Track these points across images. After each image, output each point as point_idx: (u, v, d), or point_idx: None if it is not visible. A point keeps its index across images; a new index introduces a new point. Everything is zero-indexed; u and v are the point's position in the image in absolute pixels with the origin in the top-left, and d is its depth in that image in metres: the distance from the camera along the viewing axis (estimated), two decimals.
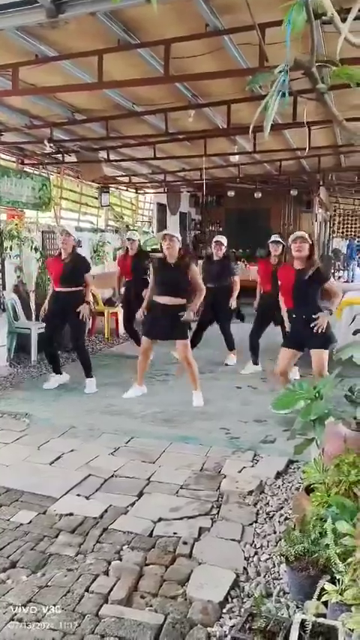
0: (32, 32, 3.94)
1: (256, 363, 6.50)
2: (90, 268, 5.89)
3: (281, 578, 2.54)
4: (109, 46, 4.06)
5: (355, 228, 18.36)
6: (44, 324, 6.11)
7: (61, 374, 5.91)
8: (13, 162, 8.01)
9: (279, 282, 4.86)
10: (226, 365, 6.88)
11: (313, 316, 4.51)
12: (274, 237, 6.27)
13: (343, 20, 1.88)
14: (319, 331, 4.49)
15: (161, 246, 5.29)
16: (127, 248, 7.29)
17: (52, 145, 6.85)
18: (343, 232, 18.50)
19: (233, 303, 6.76)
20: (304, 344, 4.74)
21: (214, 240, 6.96)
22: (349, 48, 1.92)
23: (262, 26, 3.22)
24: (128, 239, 7.39)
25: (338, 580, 2.03)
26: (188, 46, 4.02)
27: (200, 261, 7.35)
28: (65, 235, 5.71)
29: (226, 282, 6.78)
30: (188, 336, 5.36)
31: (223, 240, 6.89)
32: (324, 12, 1.89)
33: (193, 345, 6.97)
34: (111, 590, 2.45)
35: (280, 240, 6.20)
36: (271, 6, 2.79)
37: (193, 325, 6.33)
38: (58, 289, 5.73)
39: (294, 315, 4.69)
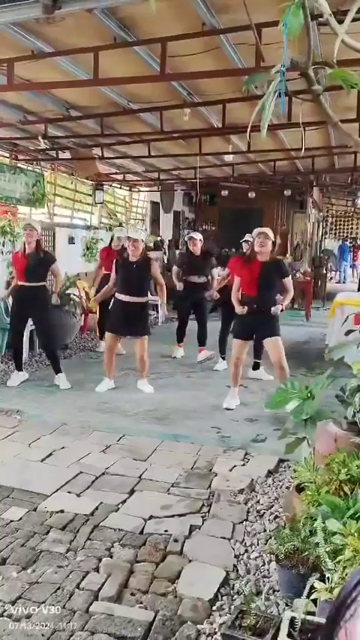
0: (28, 28, 3.92)
1: (223, 357, 6.66)
2: (55, 259, 5.88)
3: (271, 576, 2.56)
4: (106, 43, 4.05)
5: (348, 229, 18.44)
6: (10, 320, 6.07)
7: (22, 371, 5.91)
8: (7, 157, 7.96)
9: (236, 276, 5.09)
10: (200, 362, 6.90)
11: (273, 309, 4.82)
12: (246, 237, 6.36)
13: (340, 22, 1.90)
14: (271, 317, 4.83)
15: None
16: (111, 243, 7.43)
17: (46, 141, 6.81)
18: (335, 233, 18.57)
19: (214, 293, 6.77)
20: (254, 333, 5.08)
21: (188, 236, 7.16)
22: (346, 49, 1.93)
23: (259, 26, 3.23)
24: (118, 238, 7.47)
25: (328, 578, 2.04)
26: (185, 45, 4.02)
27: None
28: (29, 229, 5.62)
29: (204, 277, 6.92)
30: (149, 333, 5.54)
31: (196, 235, 7.00)
32: (320, 13, 1.91)
33: (180, 341, 7.09)
34: (101, 587, 2.45)
35: (250, 239, 6.31)
36: (268, 6, 2.80)
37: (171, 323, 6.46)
38: (21, 284, 5.65)
39: (254, 306, 4.86)
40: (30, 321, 6.01)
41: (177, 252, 12.52)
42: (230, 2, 3.42)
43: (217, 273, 7.05)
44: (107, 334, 5.64)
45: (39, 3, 3.24)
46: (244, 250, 6.38)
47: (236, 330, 5.17)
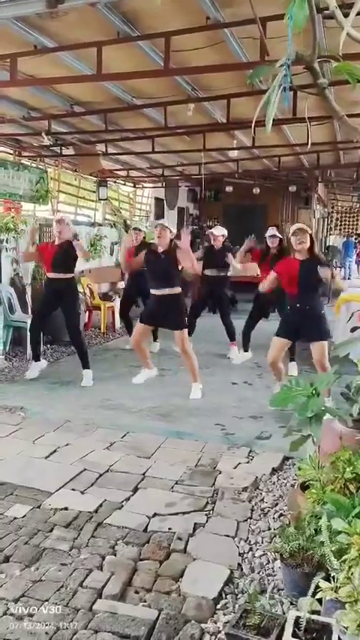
0: (31, 23, 3.90)
1: (246, 350, 6.60)
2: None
3: (276, 575, 2.54)
4: (109, 38, 4.02)
5: (353, 225, 18.35)
6: (38, 306, 6.11)
7: (39, 361, 5.91)
8: (10, 154, 7.95)
9: (277, 276, 4.90)
10: (229, 358, 6.93)
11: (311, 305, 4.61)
12: (271, 231, 6.32)
13: (345, 15, 1.86)
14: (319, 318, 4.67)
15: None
16: (132, 239, 7.39)
17: (50, 137, 6.79)
18: (340, 229, 18.48)
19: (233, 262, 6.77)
20: (299, 334, 4.89)
21: (209, 231, 7.14)
22: (352, 43, 1.90)
23: (263, 20, 3.20)
24: (134, 228, 7.44)
25: (333, 577, 2.03)
26: (189, 39, 3.99)
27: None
28: (63, 224, 5.68)
29: (224, 272, 6.90)
30: (185, 326, 5.37)
31: (218, 231, 6.97)
32: (326, 6, 1.88)
33: (189, 334, 7.05)
34: (105, 585, 2.44)
35: (276, 234, 6.26)
36: None
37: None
38: (50, 275, 5.75)
39: (297, 305, 4.74)
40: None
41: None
42: None
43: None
44: (138, 324, 5.52)
45: None
46: (270, 246, 6.32)
47: (280, 328, 4.92)
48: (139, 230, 7.36)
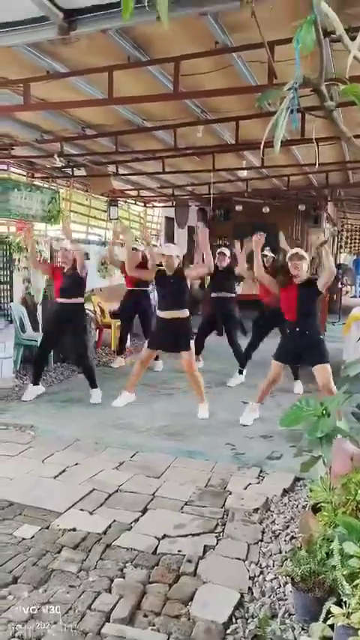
0: (43, 48, 3.99)
1: (241, 372, 6.62)
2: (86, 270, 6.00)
3: (287, 599, 2.49)
4: (120, 63, 4.10)
5: None
6: (43, 334, 6.17)
7: (38, 385, 5.93)
8: (24, 175, 8.08)
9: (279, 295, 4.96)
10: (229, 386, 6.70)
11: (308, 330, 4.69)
12: (265, 251, 6.33)
13: (352, 39, 1.89)
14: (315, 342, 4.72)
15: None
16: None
17: (62, 159, 6.90)
18: (350, 247, 18.46)
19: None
20: (300, 359, 4.95)
21: (218, 251, 7.13)
22: (358, 65, 1.92)
23: (272, 44, 3.25)
24: (133, 249, 7.43)
25: (345, 602, 1.99)
26: (198, 63, 4.05)
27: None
28: (63, 251, 5.81)
29: (230, 293, 6.95)
30: (192, 347, 5.40)
31: (227, 251, 7.06)
32: (333, 30, 1.91)
33: (196, 353, 7.04)
34: (113, 608, 2.41)
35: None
36: (281, 24, 2.82)
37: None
38: (59, 300, 5.87)
39: (297, 329, 4.75)
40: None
41: (191, 266, 12.51)
42: (243, 20, 3.44)
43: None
44: (146, 349, 5.56)
45: (54, 24, 3.30)
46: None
47: (279, 354, 4.93)
48: (137, 250, 7.19)
